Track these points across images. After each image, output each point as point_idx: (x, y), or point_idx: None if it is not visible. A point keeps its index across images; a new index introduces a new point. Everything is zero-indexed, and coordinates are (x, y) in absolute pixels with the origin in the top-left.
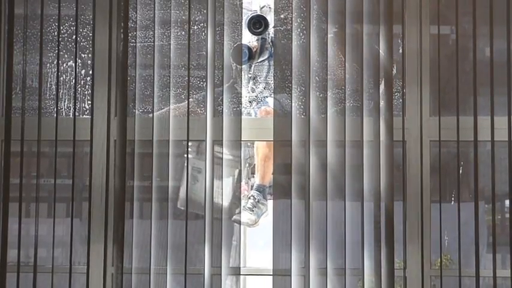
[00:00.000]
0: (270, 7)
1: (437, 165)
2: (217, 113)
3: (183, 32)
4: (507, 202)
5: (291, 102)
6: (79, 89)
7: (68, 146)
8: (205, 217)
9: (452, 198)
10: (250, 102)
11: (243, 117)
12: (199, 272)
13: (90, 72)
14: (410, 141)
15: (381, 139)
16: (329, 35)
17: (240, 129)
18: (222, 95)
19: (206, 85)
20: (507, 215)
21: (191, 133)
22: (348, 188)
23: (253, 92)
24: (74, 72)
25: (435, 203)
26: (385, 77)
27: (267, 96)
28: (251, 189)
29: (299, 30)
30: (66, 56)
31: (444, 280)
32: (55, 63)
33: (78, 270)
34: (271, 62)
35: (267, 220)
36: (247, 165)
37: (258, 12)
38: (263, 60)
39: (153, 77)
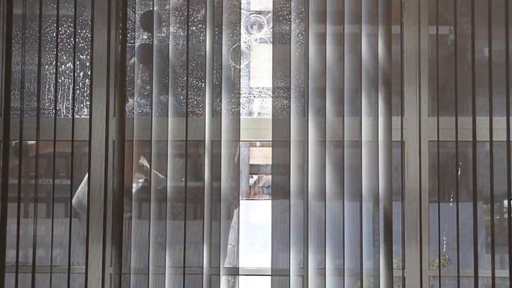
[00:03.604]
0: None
1: (435, 165)
2: (216, 113)
3: (181, 33)
4: (505, 202)
5: (290, 102)
6: (78, 90)
7: (67, 147)
8: (204, 217)
9: (451, 199)
10: (248, 102)
11: (241, 117)
12: (197, 272)
13: (89, 72)
14: (408, 142)
15: (379, 139)
16: (327, 36)
17: (238, 130)
18: (221, 95)
19: (205, 85)
20: (505, 215)
21: (190, 133)
22: (346, 189)
23: (251, 92)
24: (72, 73)
25: (434, 203)
26: (384, 77)
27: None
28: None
29: (298, 31)
30: (64, 57)
31: (443, 280)
32: (54, 64)
33: (77, 270)
34: (270, 63)
35: (266, 220)
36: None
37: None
38: (262, 60)
39: (152, 77)
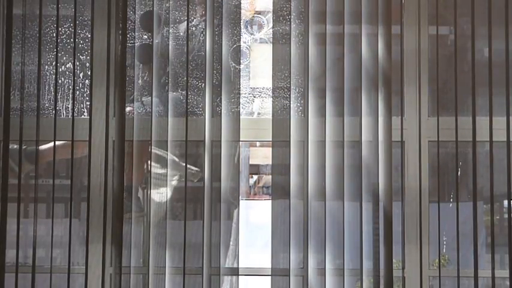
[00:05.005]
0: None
1: (435, 165)
2: (216, 114)
3: (181, 33)
4: (505, 202)
5: (290, 103)
6: (77, 90)
7: (67, 147)
8: (204, 217)
9: (451, 199)
10: (248, 102)
11: (241, 117)
12: (197, 272)
13: (89, 73)
14: (408, 142)
15: (379, 139)
16: (327, 36)
17: (238, 130)
18: (221, 95)
19: (205, 85)
20: (505, 215)
21: (190, 133)
22: (346, 189)
23: (251, 92)
24: (72, 74)
25: (434, 203)
26: (384, 77)
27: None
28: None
29: (298, 31)
30: (64, 57)
31: (442, 280)
32: (53, 64)
33: (77, 270)
34: (270, 63)
35: (266, 220)
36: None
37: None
38: (262, 60)
39: (152, 77)
